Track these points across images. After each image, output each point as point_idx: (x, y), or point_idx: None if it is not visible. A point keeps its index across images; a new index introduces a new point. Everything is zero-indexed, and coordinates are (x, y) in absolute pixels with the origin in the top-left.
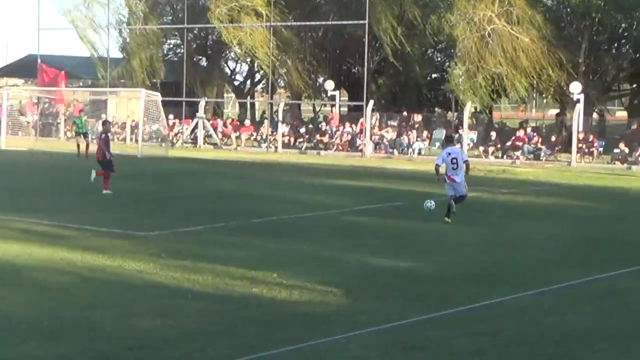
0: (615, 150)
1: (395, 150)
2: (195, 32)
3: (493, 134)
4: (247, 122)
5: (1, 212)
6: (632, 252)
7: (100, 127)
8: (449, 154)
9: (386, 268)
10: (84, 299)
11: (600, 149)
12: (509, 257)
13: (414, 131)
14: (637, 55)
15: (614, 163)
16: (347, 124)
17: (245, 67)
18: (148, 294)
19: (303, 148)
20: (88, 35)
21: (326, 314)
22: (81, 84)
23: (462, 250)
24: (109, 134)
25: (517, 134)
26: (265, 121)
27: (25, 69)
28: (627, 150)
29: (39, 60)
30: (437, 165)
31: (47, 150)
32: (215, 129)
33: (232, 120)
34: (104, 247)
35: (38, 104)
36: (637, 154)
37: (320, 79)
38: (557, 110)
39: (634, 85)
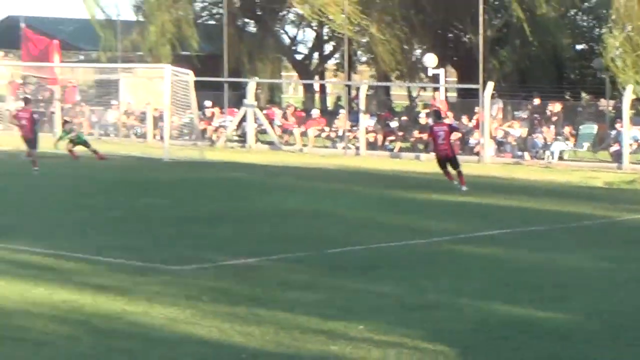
0: None
1: (526, 153)
2: None
3: None
4: (316, 112)
5: None
6: None
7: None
8: None
9: (514, 319)
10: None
11: None
12: None
13: (552, 126)
14: None
15: None
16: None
17: (311, 35)
18: (184, 352)
19: (395, 150)
20: None
21: None
22: (81, 57)
23: (614, 295)
24: None
25: None
26: (341, 111)
27: (3, 36)
28: None
29: (23, 25)
30: None
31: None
32: (271, 121)
33: (295, 109)
34: (123, 286)
35: (23, 86)
36: None
37: (418, 52)
38: None
39: None
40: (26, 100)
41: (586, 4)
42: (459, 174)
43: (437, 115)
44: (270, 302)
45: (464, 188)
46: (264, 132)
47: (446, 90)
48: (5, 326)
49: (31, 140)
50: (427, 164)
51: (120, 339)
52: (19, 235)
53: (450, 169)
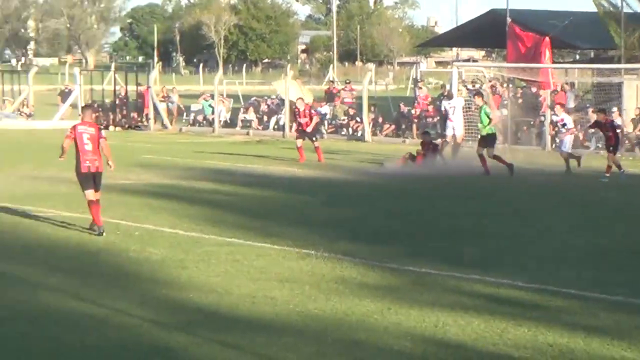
0: None
1: None
2: None
3: None
4: None
5: (447, 265)
6: None
7: None
8: None
9: None
10: None
11: None
12: None
13: None
14: None
15: None
16: None
17: None
18: None
19: None
20: None
21: None
22: (577, 57)
23: None
24: None
25: None
26: None
27: (485, 33)
28: None
29: (509, 20)
30: None
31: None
32: None
33: None
34: (621, 328)
35: (507, 88)
36: None
37: None
38: None
39: None
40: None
41: None
42: None
43: None
44: None
45: None
46: None
47: None
48: None
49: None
50: None
51: None
52: (497, 266)
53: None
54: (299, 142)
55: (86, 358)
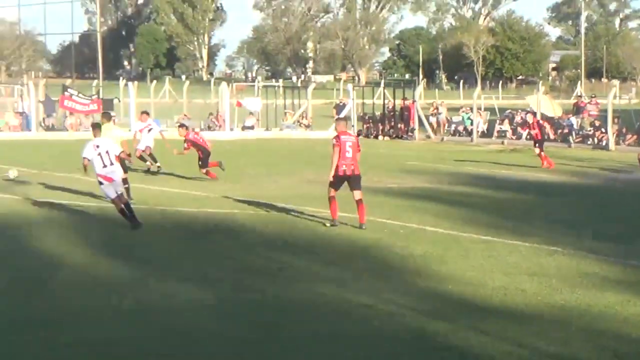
0: None
1: None
2: None
3: None
4: None
5: None
6: None
7: None
8: None
9: None
10: None
11: None
12: None
13: None
14: None
15: None
16: None
17: None
18: None
19: None
20: None
21: None
22: None
23: None
24: None
25: None
26: None
27: None
28: None
29: None
30: None
31: None
32: None
33: None
34: None
35: None
36: None
37: None
38: None
39: None
40: None
41: None
42: None
43: None
44: None
45: None
46: None
47: None
48: None
49: None
50: None
51: None
52: None
53: None
54: (537, 150)
55: (354, 342)
